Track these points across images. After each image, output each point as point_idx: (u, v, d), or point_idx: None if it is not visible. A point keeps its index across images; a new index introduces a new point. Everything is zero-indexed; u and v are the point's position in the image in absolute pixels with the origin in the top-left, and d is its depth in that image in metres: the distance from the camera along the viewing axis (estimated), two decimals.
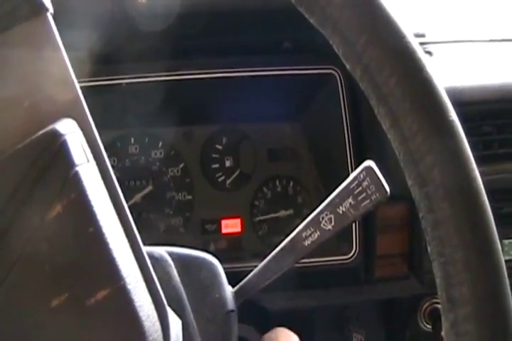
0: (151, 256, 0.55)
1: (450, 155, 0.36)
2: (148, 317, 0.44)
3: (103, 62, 0.86)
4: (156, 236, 0.99)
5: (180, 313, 0.54)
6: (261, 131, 1.04)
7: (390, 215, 0.90)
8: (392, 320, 1.01)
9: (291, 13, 0.43)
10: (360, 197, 0.51)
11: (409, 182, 0.38)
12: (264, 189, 1.04)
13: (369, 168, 0.51)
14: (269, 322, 0.92)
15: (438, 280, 0.38)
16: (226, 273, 0.60)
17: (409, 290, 0.95)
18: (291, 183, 1.04)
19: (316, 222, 0.54)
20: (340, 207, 0.52)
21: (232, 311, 0.58)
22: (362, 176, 0.51)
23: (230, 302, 0.58)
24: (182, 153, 1.02)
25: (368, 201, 0.51)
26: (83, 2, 0.79)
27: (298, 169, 1.04)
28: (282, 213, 1.03)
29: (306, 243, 0.55)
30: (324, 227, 0.54)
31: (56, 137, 0.40)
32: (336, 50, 0.39)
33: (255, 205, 1.04)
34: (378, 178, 0.51)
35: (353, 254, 0.92)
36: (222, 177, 1.04)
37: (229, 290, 0.59)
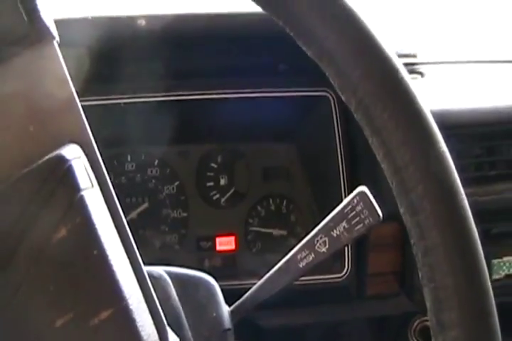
0: (150, 275, 0.56)
1: (440, 185, 0.38)
2: (150, 336, 0.45)
3: (100, 81, 0.87)
4: (151, 253, 1.00)
5: (178, 332, 0.56)
6: (256, 151, 1.06)
7: (382, 234, 0.91)
8: (383, 337, 1.03)
9: (287, 37, 0.44)
10: (353, 221, 0.53)
11: (401, 210, 0.40)
12: (258, 207, 1.06)
13: (363, 193, 0.53)
14: (263, 339, 0.94)
15: (428, 304, 0.39)
16: (221, 290, 0.61)
17: (400, 307, 0.97)
18: (285, 202, 1.06)
19: (310, 245, 0.56)
20: (335, 231, 0.54)
21: (229, 330, 0.59)
22: (355, 201, 0.53)
23: (227, 321, 0.59)
24: (177, 171, 1.03)
25: (362, 225, 0.53)
26: (81, 23, 0.81)
27: (291, 188, 1.06)
28: (276, 231, 1.05)
29: (301, 264, 0.57)
30: (319, 250, 0.56)
31: (62, 162, 0.41)
32: (332, 82, 0.41)
33: (249, 223, 1.05)
34: (371, 203, 0.52)
35: (345, 273, 0.94)
36: (217, 195, 1.05)
37: (226, 309, 0.60)
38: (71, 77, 0.45)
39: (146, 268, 0.52)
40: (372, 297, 0.97)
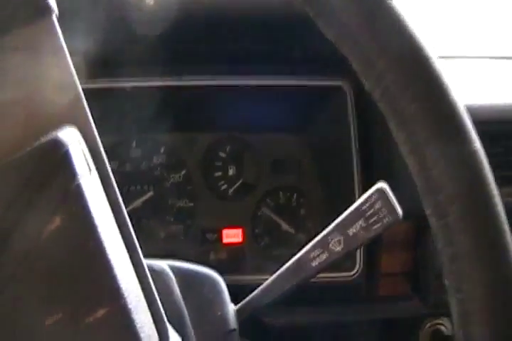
0: (152, 269, 0.53)
1: (473, 185, 0.35)
2: (150, 337, 0.42)
3: (104, 65, 0.84)
4: (155, 244, 0.97)
5: (180, 330, 0.52)
6: (266, 141, 1.02)
7: (396, 233, 0.88)
8: (394, 339, 0.99)
9: (303, 21, 0.41)
10: (371, 220, 0.49)
11: (427, 212, 0.36)
12: (267, 200, 1.02)
13: (381, 191, 0.49)
14: (270, 338, 0.90)
15: (454, 316, 0.36)
16: (226, 285, 0.58)
17: (412, 310, 0.93)
18: (295, 196, 1.02)
19: (324, 243, 0.52)
20: (351, 229, 0.51)
21: (234, 330, 0.56)
22: (374, 198, 0.49)
23: (232, 321, 0.56)
24: (184, 160, 1.00)
25: (380, 224, 0.49)
26: (83, 5, 0.78)
27: (302, 182, 1.02)
28: (285, 225, 1.02)
29: (314, 264, 0.53)
30: (333, 249, 0.52)
31: (58, 147, 0.38)
32: (354, 67, 0.37)
33: (257, 216, 1.02)
34: (391, 201, 0.49)
35: (357, 271, 0.90)
36: (225, 186, 1.02)
37: (231, 308, 0.57)
38: (73, 56, 0.42)
39: (148, 262, 0.49)
40: (383, 298, 0.93)
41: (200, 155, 1.01)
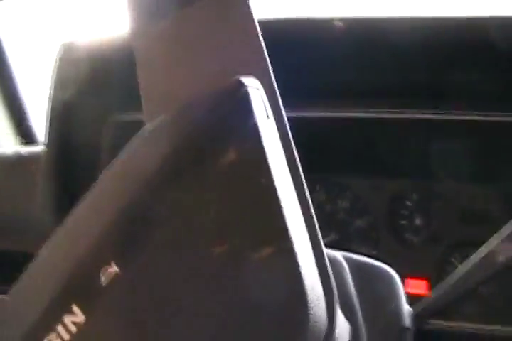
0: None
1: None
2: (313, 289, 0.41)
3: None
4: None
5: (350, 320, 0.50)
6: (455, 191, 0.98)
7: None
8: None
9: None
10: None
11: None
12: (455, 252, 0.96)
13: None
14: None
15: None
16: None
17: None
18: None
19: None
20: None
21: (408, 329, 0.52)
22: None
23: (407, 319, 0.52)
24: (369, 205, 0.98)
25: None
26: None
27: (490, 230, 0.95)
28: None
29: (501, 258, 0.49)
30: None
31: (240, 86, 0.40)
32: None
33: (444, 268, 0.96)
34: None
35: None
36: (410, 235, 0.98)
37: (407, 307, 0.53)
38: None
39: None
40: None
41: (385, 202, 0.99)
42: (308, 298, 0.39)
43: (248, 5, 0.44)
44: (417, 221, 0.98)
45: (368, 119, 0.90)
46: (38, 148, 1.05)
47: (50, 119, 0.98)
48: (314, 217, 0.43)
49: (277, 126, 0.42)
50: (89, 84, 0.95)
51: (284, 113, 0.43)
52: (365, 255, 0.56)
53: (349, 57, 0.78)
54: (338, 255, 0.54)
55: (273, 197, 0.39)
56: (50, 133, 0.99)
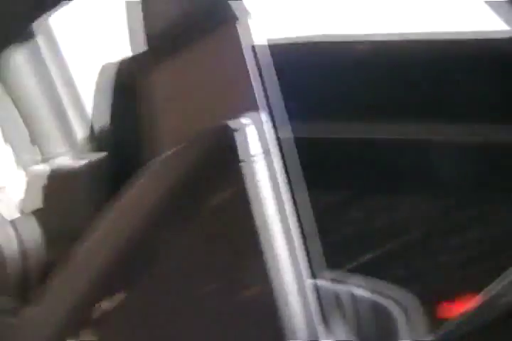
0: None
1: None
2: (297, 326, 0.42)
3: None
4: None
5: None
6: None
7: None
8: None
9: None
10: None
11: None
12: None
13: None
14: None
15: None
16: None
17: None
18: None
19: None
20: None
21: None
22: None
23: None
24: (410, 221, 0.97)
25: None
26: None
27: None
28: None
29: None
30: None
31: (228, 132, 0.42)
32: None
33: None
34: None
35: None
36: (446, 257, 0.96)
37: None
38: None
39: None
40: None
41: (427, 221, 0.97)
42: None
43: (241, 50, 0.46)
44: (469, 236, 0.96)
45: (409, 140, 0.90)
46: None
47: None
48: (301, 251, 0.45)
49: (266, 162, 0.44)
50: None
51: (275, 150, 0.44)
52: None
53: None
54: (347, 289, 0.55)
55: (266, 236, 0.42)
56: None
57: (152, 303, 0.42)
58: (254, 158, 0.43)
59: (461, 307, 0.92)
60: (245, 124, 0.44)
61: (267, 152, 0.44)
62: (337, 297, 0.54)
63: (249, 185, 0.41)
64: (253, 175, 0.42)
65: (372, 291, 0.58)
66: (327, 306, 0.49)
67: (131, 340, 0.42)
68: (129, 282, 0.41)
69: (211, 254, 0.41)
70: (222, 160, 0.42)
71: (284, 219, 0.43)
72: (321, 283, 0.48)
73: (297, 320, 0.42)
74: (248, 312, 0.40)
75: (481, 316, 0.51)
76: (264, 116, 0.46)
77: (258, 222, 0.41)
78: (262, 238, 0.41)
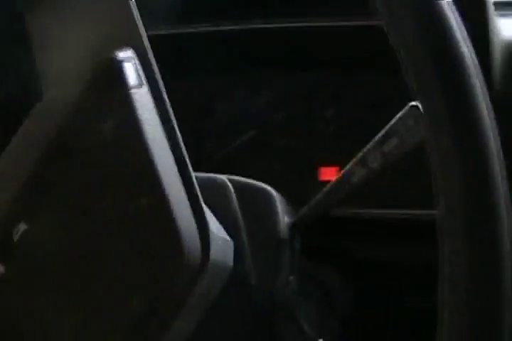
0: (213, 181, 0.59)
1: None
2: (187, 229, 0.48)
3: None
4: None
5: (235, 237, 0.58)
6: (363, 81, 1.03)
7: None
8: None
9: None
10: (405, 137, 0.52)
11: None
12: (365, 140, 1.03)
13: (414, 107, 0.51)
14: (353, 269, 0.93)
15: None
16: None
17: None
18: None
19: (363, 161, 0.55)
20: (385, 146, 0.53)
21: (284, 240, 0.61)
22: (406, 115, 0.51)
23: (284, 231, 0.61)
24: (285, 100, 1.03)
25: (413, 140, 0.52)
26: None
27: None
28: None
29: (356, 179, 0.57)
30: (372, 166, 0.55)
31: (113, 64, 0.45)
32: None
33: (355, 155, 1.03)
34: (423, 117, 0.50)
35: None
36: (325, 125, 1.04)
37: (285, 220, 0.62)
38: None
39: (211, 175, 0.55)
40: None
41: (301, 95, 1.04)
42: (182, 240, 0.47)
43: None
44: (329, 111, 1.04)
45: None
46: None
47: None
48: (192, 174, 0.50)
49: (153, 91, 0.48)
50: None
51: (159, 79, 0.48)
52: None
53: None
54: (224, 178, 0.61)
55: (147, 156, 0.47)
56: None
57: (55, 232, 0.46)
58: (141, 88, 0.46)
59: (338, 172, 1.02)
60: (128, 56, 0.46)
61: (152, 81, 0.48)
62: (220, 187, 0.61)
63: (136, 115, 0.45)
64: (141, 104, 0.46)
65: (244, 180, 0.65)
66: (212, 198, 0.55)
67: (37, 268, 0.47)
68: (31, 214, 0.45)
69: (106, 178, 0.46)
70: (109, 92, 0.44)
71: (174, 144, 0.49)
72: (198, 175, 0.52)
73: (188, 222, 0.48)
74: (141, 223, 0.46)
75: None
76: (146, 45, 0.48)
77: (146, 150, 0.45)
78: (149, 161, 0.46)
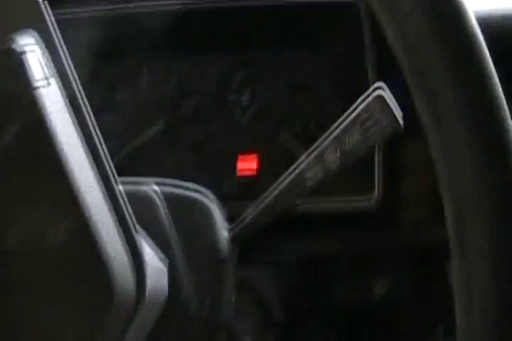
0: (138, 190, 0.51)
1: None
2: (116, 252, 0.41)
3: None
4: (166, 173, 0.94)
5: (168, 255, 0.50)
6: (282, 63, 0.96)
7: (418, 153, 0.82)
8: (418, 269, 0.95)
9: None
10: (367, 128, 0.44)
11: None
12: (284, 124, 0.97)
13: (380, 97, 0.44)
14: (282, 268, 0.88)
15: None
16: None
17: (437, 237, 0.88)
18: (313, 120, 0.96)
19: (320, 158, 0.48)
20: (346, 141, 0.46)
21: (223, 260, 0.53)
22: (371, 104, 0.44)
23: (224, 249, 0.53)
24: (196, 85, 0.95)
25: (378, 133, 0.44)
26: None
27: (320, 105, 0.96)
28: (303, 151, 0.97)
29: (309, 184, 0.49)
30: (329, 166, 0.47)
31: (12, 55, 0.37)
32: None
33: (273, 141, 0.97)
34: (391, 108, 0.43)
35: (376, 194, 0.85)
36: (240, 111, 0.97)
37: (223, 236, 0.53)
38: None
39: (135, 180, 0.48)
40: (405, 224, 0.88)
41: (212, 80, 0.96)
42: (111, 276, 0.39)
43: None
44: (246, 96, 0.97)
45: None
46: None
47: None
48: (116, 183, 0.42)
49: (62, 82, 0.40)
50: None
51: (69, 67, 0.41)
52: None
53: None
54: (151, 189, 0.52)
55: (61, 167, 0.39)
56: None
57: None
58: (48, 82, 0.39)
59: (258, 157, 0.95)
60: (32, 45, 0.38)
61: (62, 72, 0.40)
62: (147, 200, 0.52)
63: (46, 112, 0.37)
64: (50, 100, 0.38)
65: (176, 186, 0.57)
66: (138, 212, 0.48)
67: None
68: None
69: (13, 199, 0.38)
70: (11, 91, 0.36)
71: (94, 149, 0.41)
72: (125, 187, 0.45)
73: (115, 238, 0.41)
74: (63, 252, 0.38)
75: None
76: (52, 28, 0.40)
77: (59, 159, 0.38)
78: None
